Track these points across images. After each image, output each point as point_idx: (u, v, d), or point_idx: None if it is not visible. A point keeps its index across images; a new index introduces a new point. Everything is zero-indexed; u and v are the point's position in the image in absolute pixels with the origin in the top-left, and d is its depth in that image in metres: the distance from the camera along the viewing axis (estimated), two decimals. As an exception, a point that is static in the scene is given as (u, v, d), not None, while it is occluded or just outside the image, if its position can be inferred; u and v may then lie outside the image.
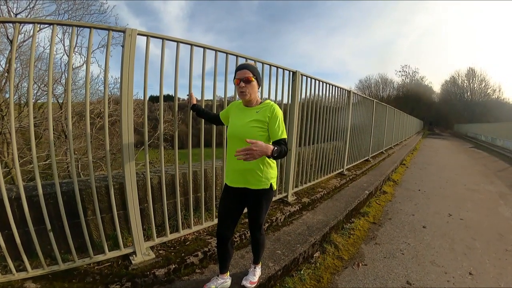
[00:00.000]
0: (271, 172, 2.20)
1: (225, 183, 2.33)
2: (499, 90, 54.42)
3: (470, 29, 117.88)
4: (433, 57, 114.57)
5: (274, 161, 2.26)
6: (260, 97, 2.29)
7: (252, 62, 3.10)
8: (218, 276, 2.39)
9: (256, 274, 2.49)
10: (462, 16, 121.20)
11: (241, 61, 3.19)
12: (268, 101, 2.20)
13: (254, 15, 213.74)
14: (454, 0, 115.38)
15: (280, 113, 2.12)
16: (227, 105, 2.82)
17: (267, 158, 2.14)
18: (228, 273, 2.44)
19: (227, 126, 2.41)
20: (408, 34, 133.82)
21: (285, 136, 2.10)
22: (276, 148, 1.87)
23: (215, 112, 2.91)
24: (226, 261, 2.37)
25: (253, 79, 2.10)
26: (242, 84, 2.08)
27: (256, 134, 2.06)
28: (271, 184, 2.20)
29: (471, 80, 56.45)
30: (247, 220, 3.41)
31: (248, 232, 3.15)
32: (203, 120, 2.95)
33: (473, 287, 2.94)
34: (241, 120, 2.15)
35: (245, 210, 2.36)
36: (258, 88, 2.22)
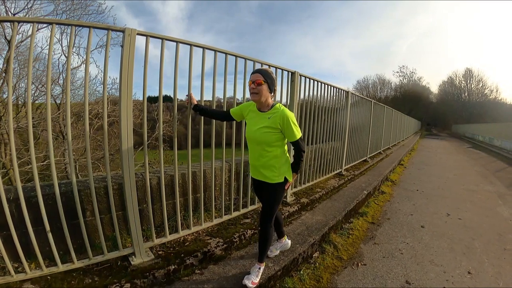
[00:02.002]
0: (285, 166, 2.47)
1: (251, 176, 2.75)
2: (497, 91, 54.56)
3: (469, 29, 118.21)
4: (432, 58, 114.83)
5: (288, 155, 2.54)
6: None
7: (250, 62, 3.17)
8: (277, 241, 2.96)
9: (259, 274, 2.49)
10: (461, 16, 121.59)
11: (241, 61, 3.21)
12: (278, 105, 2.41)
13: (253, 16, 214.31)
14: (454, 0, 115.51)
15: (291, 116, 2.32)
16: (226, 106, 2.94)
17: (280, 156, 2.43)
18: (286, 237, 3.03)
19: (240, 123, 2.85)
20: (407, 36, 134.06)
21: (300, 135, 2.39)
22: (296, 171, 2.55)
23: None
24: (279, 228, 2.88)
25: (263, 83, 2.30)
26: (253, 85, 2.30)
27: (270, 139, 2.34)
28: (285, 178, 2.46)
29: (468, 81, 56.54)
30: (246, 220, 3.43)
31: (248, 232, 3.19)
32: (202, 121, 2.96)
33: (472, 287, 2.95)
34: (255, 125, 2.39)
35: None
36: (271, 93, 2.40)
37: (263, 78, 2.30)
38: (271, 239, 2.56)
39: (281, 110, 2.33)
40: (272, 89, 2.40)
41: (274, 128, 2.31)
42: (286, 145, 2.50)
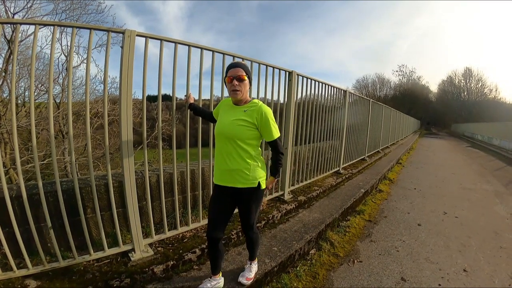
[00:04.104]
0: (259, 171, 2.20)
1: (214, 183, 2.31)
2: (496, 90, 54.66)
3: (469, 29, 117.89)
4: (432, 58, 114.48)
5: (263, 160, 2.30)
6: (256, 96, 2.31)
7: (248, 62, 3.15)
8: (210, 278, 2.36)
9: (253, 270, 2.52)
10: (461, 17, 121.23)
11: (238, 61, 3.24)
12: (256, 100, 2.20)
13: (253, 16, 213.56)
14: (454, 0, 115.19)
15: (269, 113, 2.13)
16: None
17: (254, 157, 2.17)
18: (220, 274, 2.41)
19: None
20: (407, 36, 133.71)
21: (278, 134, 2.18)
22: (274, 175, 2.33)
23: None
24: (218, 261, 2.33)
25: (246, 78, 2.11)
26: (236, 82, 2.07)
27: (244, 133, 2.09)
28: (259, 183, 2.19)
29: (467, 80, 56.57)
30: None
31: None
32: (200, 119, 2.99)
33: (467, 284, 2.98)
34: (228, 117, 2.16)
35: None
36: (249, 88, 2.24)
37: (244, 73, 2.10)
38: (259, 240, 2.52)
39: (259, 105, 2.12)
40: (251, 84, 2.27)
41: (250, 123, 2.08)
42: (260, 148, 2.29)
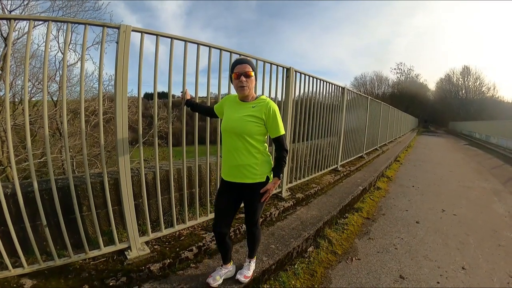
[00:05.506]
0: (267, 165, 2.23)
1: (221, 177, 2.34)
2: (494, 88, 54.87)
3: (469, 29, 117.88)
4: (431, 57, 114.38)
5: (269, 155, 2.30)
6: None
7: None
8: (222, 266, 2.44)
9: (251, 268, 2.51)
10: (461, 16, 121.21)
11: (236, 57, 3.20)
12: (263, 97, 2.21)
13: (252, 12, 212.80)
14: (454, 0, 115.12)
15: (276, 109, 2.14)
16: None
17: (261, 153, 2.18)
18: (232, 262, 2.50)
19: (221, 120, 2.43)
20: (406, 34, 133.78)
21: (283, 131, 2.17)
22: (278, 175, 2.20)
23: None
24: (228, 252, 2.41)
25: (252, 74, 2.13)
26: (243, 78, 2.09)
27: (253, 129, 2.10)
28: (267, 177, 2.22)
29: (466, 78, 56.73)
30: (241, 215, 3.44)
31: (243, 226, 3.20)
32: (197, 117, 2.97)
33: (466, 282, 2.98)
34: (236, 113, 2.16)
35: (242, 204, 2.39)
36: (255, 84, 2.24)
37: (251, 69, 2.12)
38: (260, 237, 2.54)
39: (267, 101, 2.14)
40: (256, 80, 2.28)
41: (259, 118, 2.09)
42: (266, 144, 2.29)
